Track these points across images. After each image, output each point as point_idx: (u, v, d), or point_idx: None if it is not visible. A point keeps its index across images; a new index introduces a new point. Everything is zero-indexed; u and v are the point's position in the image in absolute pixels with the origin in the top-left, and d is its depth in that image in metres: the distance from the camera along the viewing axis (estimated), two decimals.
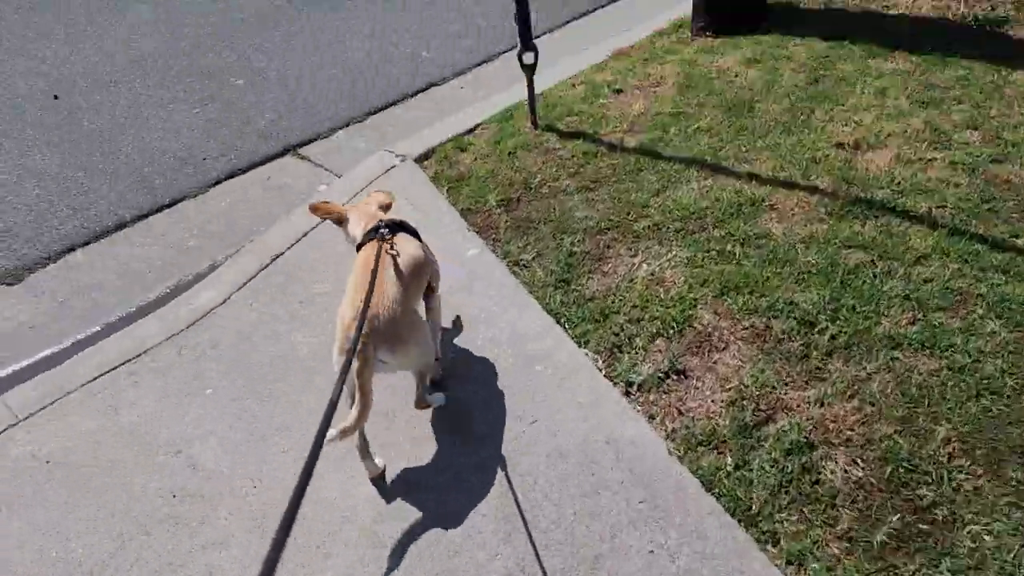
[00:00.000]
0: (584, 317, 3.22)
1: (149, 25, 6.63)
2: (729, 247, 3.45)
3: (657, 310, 3.18)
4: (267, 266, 3.89)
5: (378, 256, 2.62)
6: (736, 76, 4.86)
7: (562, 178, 4.09)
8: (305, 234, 4.07)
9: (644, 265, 3.42)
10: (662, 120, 4.47)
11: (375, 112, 5.40)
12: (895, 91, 4.48)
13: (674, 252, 3.46)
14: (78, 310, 3.82)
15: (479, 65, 5.95)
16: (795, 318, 3.05)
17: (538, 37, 6.32)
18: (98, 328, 3.72)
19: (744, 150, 4.13)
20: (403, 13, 6.71)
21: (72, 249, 4.15)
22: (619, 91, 4.87)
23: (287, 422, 3.00)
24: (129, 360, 3.44)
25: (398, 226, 2.85)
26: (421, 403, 2.82)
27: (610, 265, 3.47)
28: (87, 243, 4.20)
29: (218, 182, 4.69)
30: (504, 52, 6.09)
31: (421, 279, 2.83)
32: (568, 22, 6.57)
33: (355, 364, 2.39)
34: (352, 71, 5.84)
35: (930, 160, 3.88)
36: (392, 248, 2.68)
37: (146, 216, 4.41)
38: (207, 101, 5.49)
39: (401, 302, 2.57)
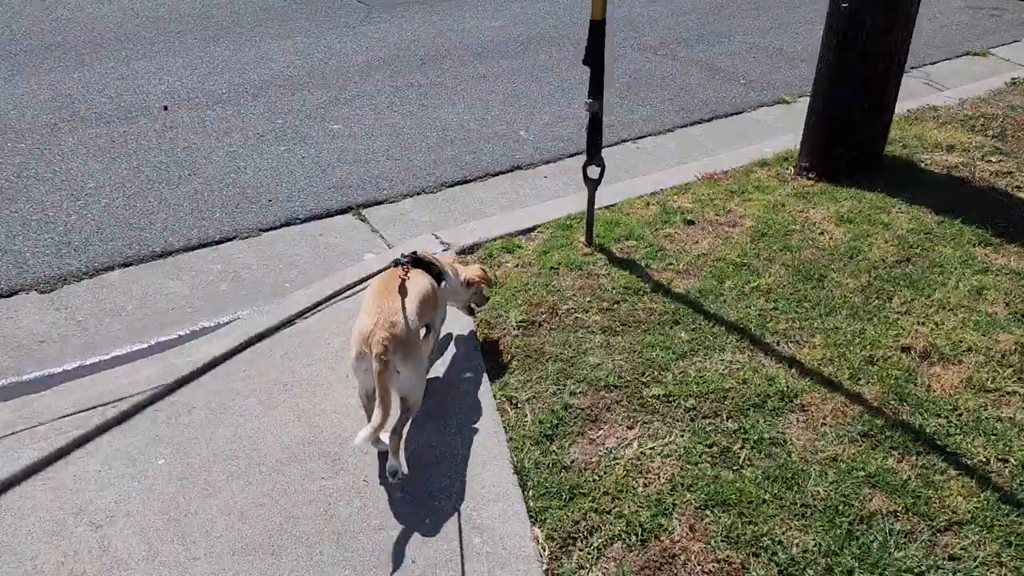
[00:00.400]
0: (550, 489, 2.75)
1: (283, 55, 6.65)
2: (736, 447, 2.90)
3: (628, 506, 2.68)
4: (274, 332, 3.65)
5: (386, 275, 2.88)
6: (821, 234, 4.24)
7: (592, 311, 3.63)
8: (324, 305, 3.81)
9: (635, 443, 2.93)
10: (722, 268, 3.94)
11: (451, 185, 5.11)
12: (994, 294, 3.76)
13: (673, 437, 2.94)
14: (91, 333, 3.70)
15: (572, 156, 5.56)
16: (778, 565, 2.47)
17: (643, 138, 5.91)
18: (100, 359, 3.58)
19: (797, 327, 3.53)
20: (517, 87, 6.43)
21: (111, 268, 4.06)
22: (691, 222, 4.36)
23: (214, 526, 2.70)
24: (108, 403, 3.25)
25: (419, 262, 3.05)
26: (396, 436, 2.75)
27: (601, 432, 3.00)
28: (127, 265, 4.10)
29: (273, 228, 4.52)
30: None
31: (425, 310, 2.93)
32: (680, 127, 6.09)
33: (376, 367, 2.52)
34: (443, 138, 5.59)
35: (1008, 394, 3.17)
36: (406, 274, 2.84)
37: (192, 249, 4.27)
38: (297, 141, 5.38)
39: (413, 320, 2.71)
